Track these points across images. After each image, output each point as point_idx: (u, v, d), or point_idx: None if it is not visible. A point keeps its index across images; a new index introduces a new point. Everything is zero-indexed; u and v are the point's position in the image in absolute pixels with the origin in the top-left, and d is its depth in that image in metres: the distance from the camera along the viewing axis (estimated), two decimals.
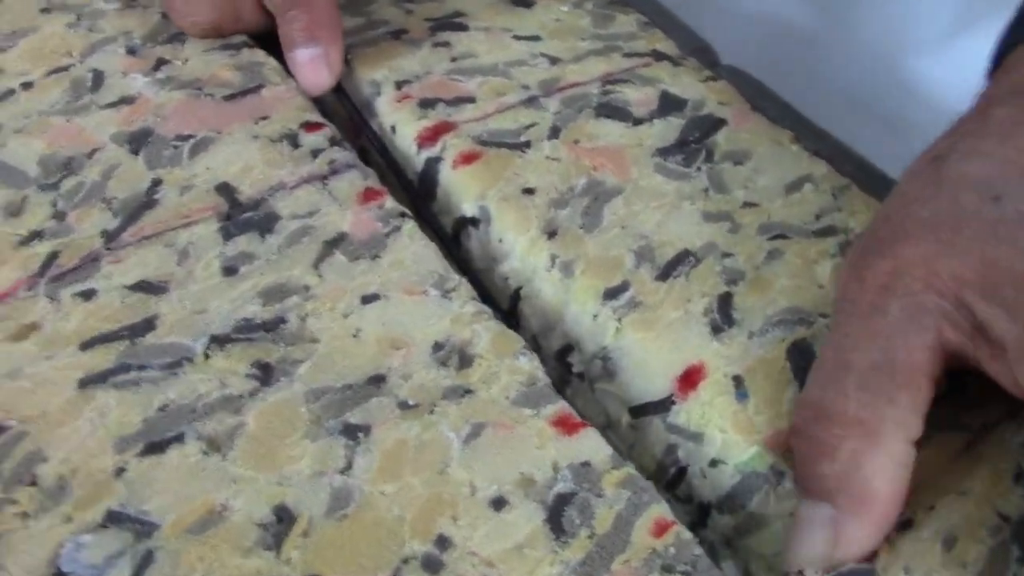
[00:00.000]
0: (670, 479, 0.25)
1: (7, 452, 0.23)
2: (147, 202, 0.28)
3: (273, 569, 0.21)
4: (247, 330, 0.25)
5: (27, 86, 0.31)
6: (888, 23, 0.44)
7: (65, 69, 0.32)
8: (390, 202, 0.28)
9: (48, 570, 0.21)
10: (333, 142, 0.30)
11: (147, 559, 0.21)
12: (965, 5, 0.44)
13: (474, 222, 0.29)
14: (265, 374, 0.24)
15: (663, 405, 0.24)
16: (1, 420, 0.23)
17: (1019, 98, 0.25)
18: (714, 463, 0.24)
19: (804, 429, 0.23)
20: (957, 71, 0.42)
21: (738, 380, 0.24)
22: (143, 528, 0.21)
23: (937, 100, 0.42)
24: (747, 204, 0.29)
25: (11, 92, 0.31)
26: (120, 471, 0.22)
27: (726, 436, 0.23)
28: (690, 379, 0.24)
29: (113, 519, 0.22)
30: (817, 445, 0.22)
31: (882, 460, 0.22)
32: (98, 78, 0.31)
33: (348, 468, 0.22)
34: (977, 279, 0.22)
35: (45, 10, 0.34)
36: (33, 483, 0.22)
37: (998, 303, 0.21)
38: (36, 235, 0.27)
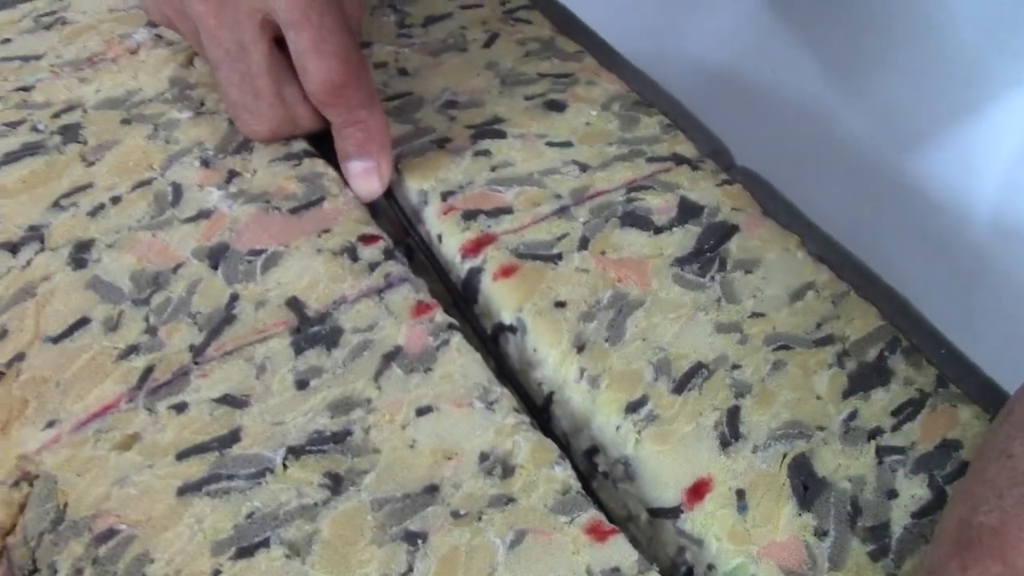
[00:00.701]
0: None
1: (120, 553, 0.27)
2: (227, 317, 0.32)
3: None
4: (319, 442, 0.29)
5: (116, 200, 0.35)
6: (895, 122, 0.47)
7: (148, 183, 0.35)
8: (440, 315, 0.32)
9: None
10: (388, 255, 0.34)
11: None
12: (967, 105, 0.47)
13: (512, 329, 0.33)
14: (336, 484, 0.28)
15: (674, 512, 0.28)
16: (113, 524, 0.27)
17: None
18: (710, 567, 0.27)
19: None
20: (948, 169, 0.45)
21: (740, 493, 0.28)
22: None
23: (927, 194, 0.45)
24: (755, 314, 0.32)
25: (102, 207, 0.35)
26: (216, 572, 0.26)
27: (721, 544, 0.27)
28: (698, 491, 0.28)
29: None
30: None
31: None
32: (177, 191, 0.35)
33: (409, 571, 0.26)
34: None
35: (126, 121, 0.38)
36: None
37: None
38: (133, 349, 0.31)
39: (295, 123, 0.37)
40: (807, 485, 0.28)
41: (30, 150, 0.37)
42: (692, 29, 0.51)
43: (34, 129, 0.37)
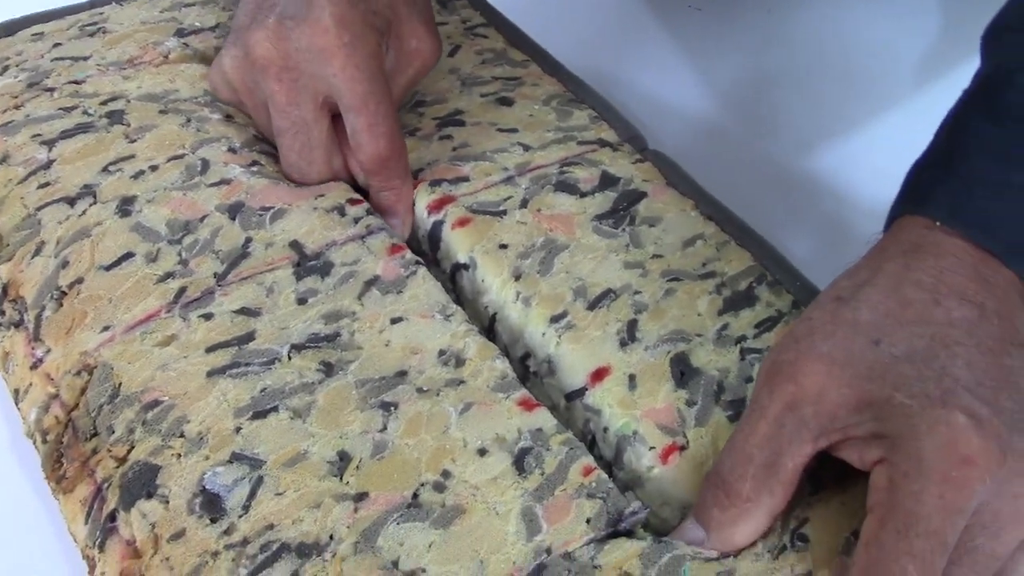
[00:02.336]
0: (588, 444, 0.37)
1: (163, 416, 0.35)
2: (243, 253, 0.40)
3: (337, 488, 0.33)
4: (315, 341, 0.38)
5: (153, 168, 0.44)
6: (794, 120, 0.57)
7: (181, 157, 0.44)
8: (409, 254, 0.41)
9: (197, 489, 0.34)
10: (368, 212, 0.43)
11: (259, 481, 0.34)
12: (867, 110, 0.57)
13: (465, 267, 0.42)
14: (328, 369, 0.37)
15: (581, 392, 0.37)
16: (158, 397, 0.36)
17: (905, 257, 0.33)
18: (605, 430, 0.36)
19: (713, 486, 0.33)
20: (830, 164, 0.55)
21: (631, 377, 0.37)
22: (255, 463, 0.34)
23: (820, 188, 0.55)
24: (655, 256, 0.42)
25: (142, 172, 0.44)
26: (238, 429, 0.35)
27: (612, 410, 0.36)
28: (599, 375, 0.37)
29: (236, 458, 0.34)
30: (716, 499, 0.32)
31: (750, 529, 0.32)
32: (205, 164, 0.44)
33: (384, 429, 0.35)
34: (853, 405, 0.31)
35: (163, 112, 0.47)
36: (182, 436, 0.35)
37: (865, 417, 0.31)
38: (169, 275, 0.40)
39: (335, 178, 0.44)
40: (684, 372, 0.37)
41: (82, 129, 0.45)
42: (633, 52, 0.61)
43: (85, 113, 0.46)
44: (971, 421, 0.30)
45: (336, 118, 0.43)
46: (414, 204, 0.44)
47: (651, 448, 0.35)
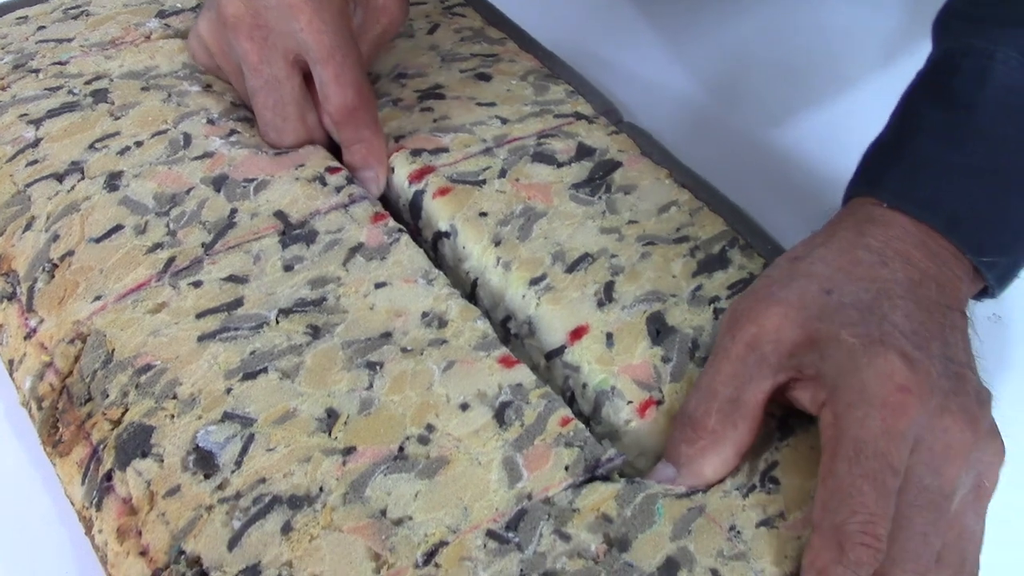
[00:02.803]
0: (567, 400, 0.38)
1: (156, 380, 0.37)
2: (229, 223, 0.42)
3: (326, 443, 0.35)
4: (302, 305, 0.39)
5: (138, 144, 0.45)
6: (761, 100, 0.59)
7: (164, 132, 0.45)
8: (391, 222, 0.42)
9: (190, 447, 0.35)
10: (349, 181, 0.44)
11: (250, 438, 0.35)
12: (834, 89, 0.59)
13: (447, 235, 0.43)
14: (315, 332, 0.38)
15: (560, 350, 0.38)
16: (150, 361, 0.37)
17: (857, 227, 0.36)
18: (584, 386, 0.38)
19: (681, 423, 0.35)
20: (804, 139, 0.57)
21: (609, 335, 0.38)
22: (246, 421, 0.35)
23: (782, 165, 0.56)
24: (631, 221, 0.43)
25: (128, 148, 0.45)
26: (229, 390, 0.36)
27: (591, 367, 0.37)
28: (578, 333, 0.38)
29: (227, 417, 0.35)
30: (684, 435, 0.34)
31: (717, 461, 0.34)
32: (187, 139, 0.45)
33: (370, 387, 0.36)
34: (805, 343, 0.34)
35: (145, 88, 0.48)
36: (175, 397, 0.36)
37: (814, 356, 0.33)
38: (158, 246, 0.41)
39: (310, 141, 0.46)
40: (659, 330, 0.39)
41: (68, 108, 0.46)
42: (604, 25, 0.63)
43: (70, 93, 0.47)
44: (904, 359, 0.33)
45: (309, 78, 0.44)
46: (393, 170, 0.45)
47: (629, 402, 0.37)
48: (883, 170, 0.38)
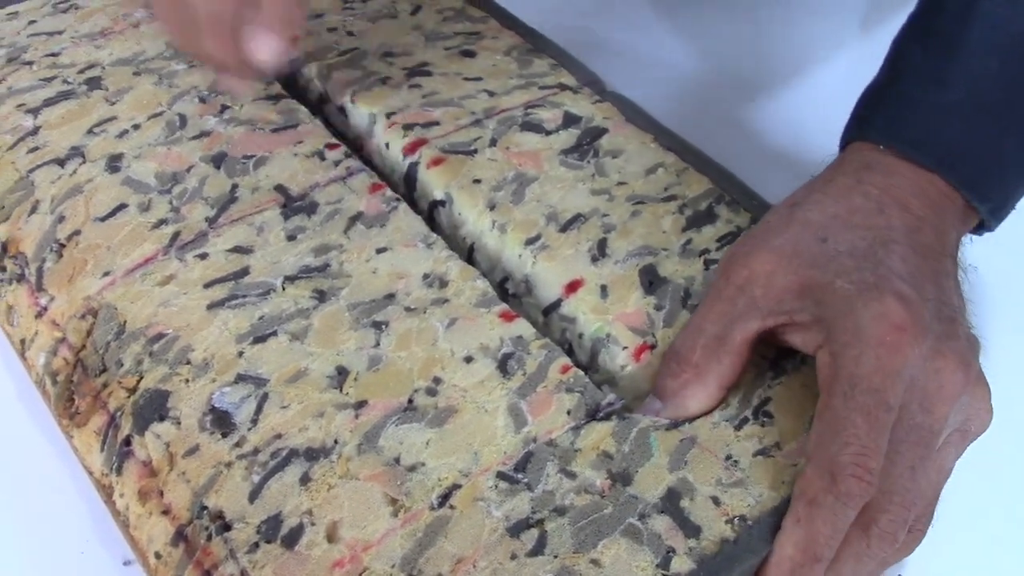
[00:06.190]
0: (566, 352, 0.40)
1: (169, 347, 0.38)
2: (231, 198, 0.43)
3: (338, 399, 0.36)
4: (307, 272, 0.40)
5: (136, 127, 0.46)
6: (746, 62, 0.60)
7: (160, 115, 0.46)
8: (389, 191, 0.44)
9: (206, 408, 0.36)
10: (347, 155, 0.45)
11: (264, 397, 0.36)
12: (816, 52, 0.60)
13: (442, 203, 0.44)
14: (321, 296, 0.39)
15: (557, 304, 0.40)
16: (162, 330, 0.38)
17: (855, 174, 0.37)
18: (580, 335, 0.39)
19: (668, 358, 0.36)
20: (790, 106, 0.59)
21: (603, 287, 0.40)
22: (259, 382, 0.36)
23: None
24: (620, 183, 0.45)
25: (126, 131, 0.46)
26: (240, 353, 0.37)
27: (586, 317, 0.39)
28: (573, 287, 0.40)
29: (241, 378, 0.37)
30: (669, 369, 0.36)
31: (701, 395, 0.35)
32: (183, 120, 0.46)
33: (377, 345, 0.38)
34: (797, 290, 0.34)
35: (136, 73, 0.49)
36: (188, 363, 0.37)
37: (807, 303, 0.34)
38: (162, 222, 0.42)
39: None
40: (652, 281, 0.40)
41: (64, 96, 0.47)
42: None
43: (64, 82, 0.48)
44: (900, 301, 0.33)
45: None
46: (388, 145, 0.46)
47: (624, 348, 0.38)
48: (873, 112, 0.39)
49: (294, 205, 0.43)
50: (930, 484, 0.34)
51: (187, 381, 0.37)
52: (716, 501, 0.33)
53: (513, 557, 0.32)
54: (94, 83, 0.48)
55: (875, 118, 0.39)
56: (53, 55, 0.50)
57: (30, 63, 0.50)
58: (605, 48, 0.60)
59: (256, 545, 0.32)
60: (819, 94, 0.60)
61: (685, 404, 0.35)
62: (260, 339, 0.38)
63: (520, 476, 0.34)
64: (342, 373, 0.37)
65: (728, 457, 0.35)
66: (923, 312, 0.33)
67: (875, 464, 0.32)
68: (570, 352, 0.40)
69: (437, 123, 0.47)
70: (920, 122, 0.38)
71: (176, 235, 0.41)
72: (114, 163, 0.44)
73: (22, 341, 0.41)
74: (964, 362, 0.33)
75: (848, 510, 0.32)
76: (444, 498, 0.33)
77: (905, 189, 0.37)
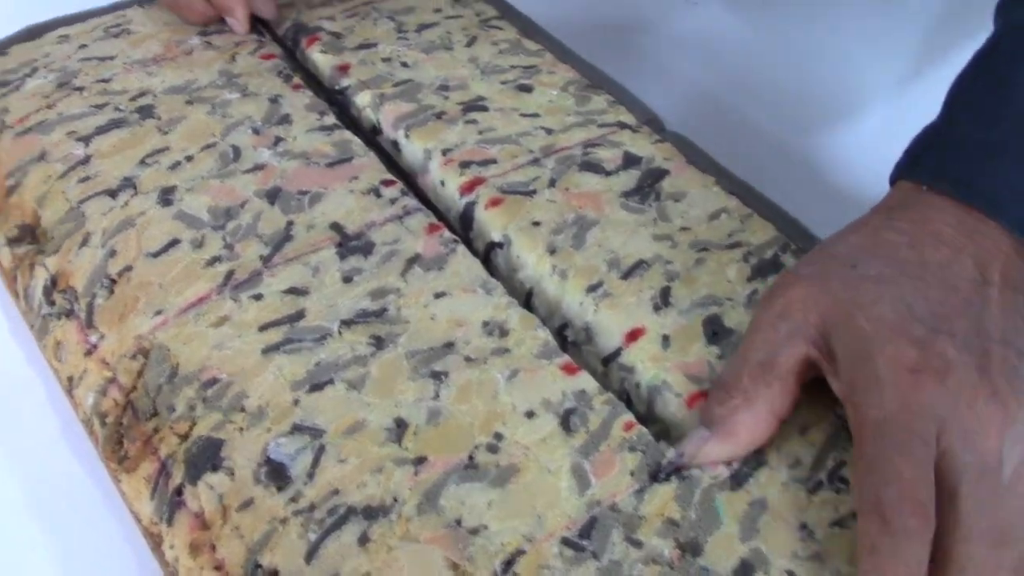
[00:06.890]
0: (624, 402, 0.39)
1: (223, 393, 0.37)
2: (286, 236, 0.42)
3: (397, 453, 0.35)
4: (364, 316, 0.39)
5: (189, 158, 0.45)
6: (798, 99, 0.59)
7: (213, 146, 0.46)
8: (447, 232, 0.42)
9: (261, 459, 0.35)
10: (403, 193, 0.44)
11: (321, 449, 0.35)
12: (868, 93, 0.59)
13: (500, 245, 0.43)
14: (378, 343, 0.38)
15: (616, 353, 0.39)
16: (216, 374, 0.37)
17: (887, 212, 0.37)
18: (638, 385, 0.38)
19: (714, 389, 0.36)
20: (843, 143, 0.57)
21: (665, 337, 0.38)
22: (316, 433, 0.35)
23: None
24: (682, 228, 0.43)
25: (179, 163, 0.45)
26: (296, 401, 0.36)
27: (644, 366, 0.38)
28: (634, 336, 0.39)
29: (296, 429, 0.35)
30: (716, 397, 0.35)
31: (749, 420, 0.34)
32: (236, 151, 0.45)
33: (436, 396, 0.36)
34: (832, 316, 0.34)
35: (189, 102, 0.48)
36: (242, 410, 0.36)
37: (838, 333, 0.34)
38: (216, 259, 0.41)
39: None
40: (716, 332, 0.39)
41: (115, 124, 0.47)
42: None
43: (116, 109, 0.47)
44: (915, 345, 0.33)
45: None
46: (443, 183, 0.45)
47: (678, 395, 0.37)
48: (924, 150, 0.39)
49: (350, 245, 0.42)
50: (1018, 524, 0.32)
51: (241, 430, 0.36)
52: (791, 575, 0.32)
53: None
54: (146, 111, 0.47)
55: (922, 157, 0.39)
56: (104, 81, 0.49)
57: (80, 88, 0.49)
58: (652, 80, 0.59)
59: None
60: (881, 130, 0.59)
61: (735, 431, 0.34)
62: (316, 387, 0.37)
63: (585, 543, 0.33)
64: (401, 426, 0.35)
65: (803, 526, 0.33)
66: (945, 349, 0.33)
67: (924, 495, 0.31)
68: (629, 404, 0.39)
69: (494, 161, 0.46)
70: (967, 162, 0.37)
71: (230, 274, 0.40)
72: (166, 196, 0.43)
73: (69, 378, 0.40)
74: (996, 392, 0.32)
75: (913, 545, 0.30)
76: (508, 564, 0.32)
77: (940, 221, 0.36)
